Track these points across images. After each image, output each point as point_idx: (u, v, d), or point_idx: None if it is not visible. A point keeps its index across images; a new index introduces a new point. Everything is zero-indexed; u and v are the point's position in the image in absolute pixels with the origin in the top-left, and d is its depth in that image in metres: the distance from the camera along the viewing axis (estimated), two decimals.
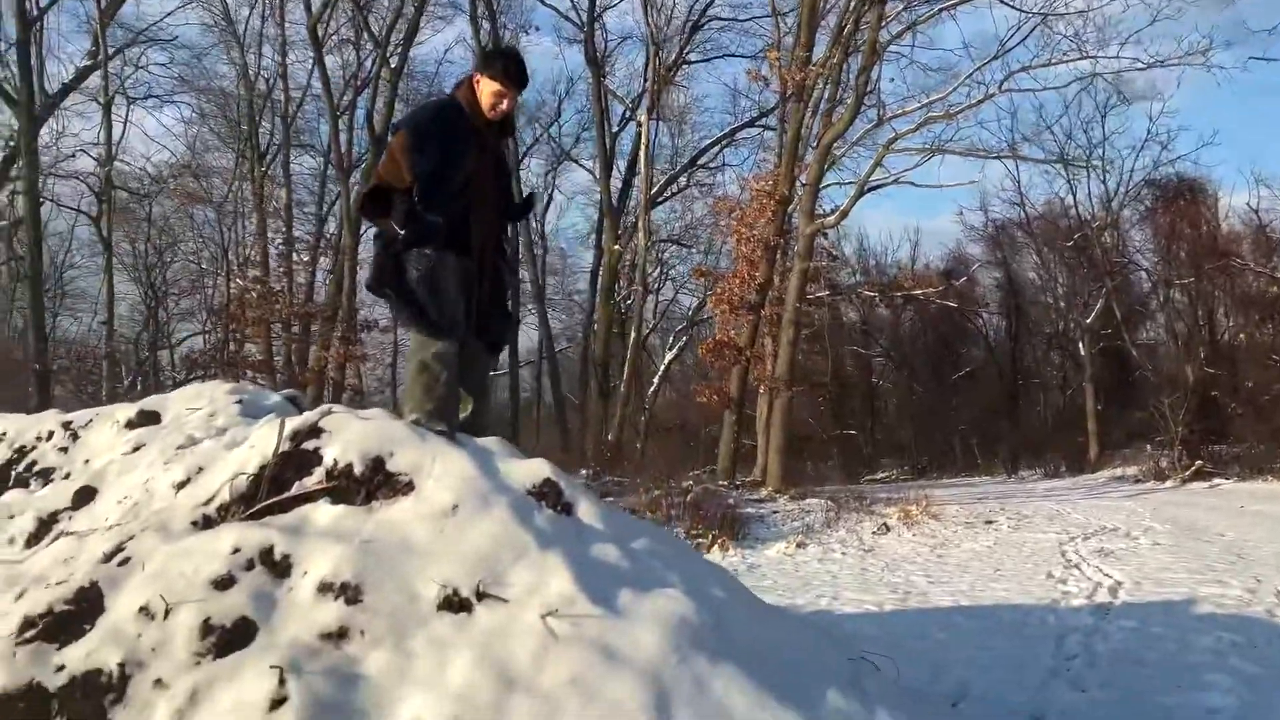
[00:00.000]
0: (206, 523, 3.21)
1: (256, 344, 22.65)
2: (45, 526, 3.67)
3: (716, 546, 14.91)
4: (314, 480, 3.25)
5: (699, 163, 30.67)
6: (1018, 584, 9.91)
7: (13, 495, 4.04)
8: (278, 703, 2.55)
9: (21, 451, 4.52)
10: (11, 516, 3.76)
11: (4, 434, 4.66)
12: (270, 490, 3.24)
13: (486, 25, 27.29)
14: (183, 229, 28.42)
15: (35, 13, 21.34)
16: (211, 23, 26.87)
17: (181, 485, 3.42)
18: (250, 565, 2.93)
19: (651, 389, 29.84)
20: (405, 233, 3.82)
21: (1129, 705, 5.12)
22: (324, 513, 3.18)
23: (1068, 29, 18.74)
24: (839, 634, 3.88)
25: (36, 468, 4.33)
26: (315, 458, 3.32)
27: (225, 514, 3.22)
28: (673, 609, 3.00)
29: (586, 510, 3.34)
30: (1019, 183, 34.67)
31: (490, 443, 3.71)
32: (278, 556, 2.97)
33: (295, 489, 3.23)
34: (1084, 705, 5.21)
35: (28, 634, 2.79)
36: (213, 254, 28.60)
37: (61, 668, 2.70)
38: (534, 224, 32.64)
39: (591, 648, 2.79)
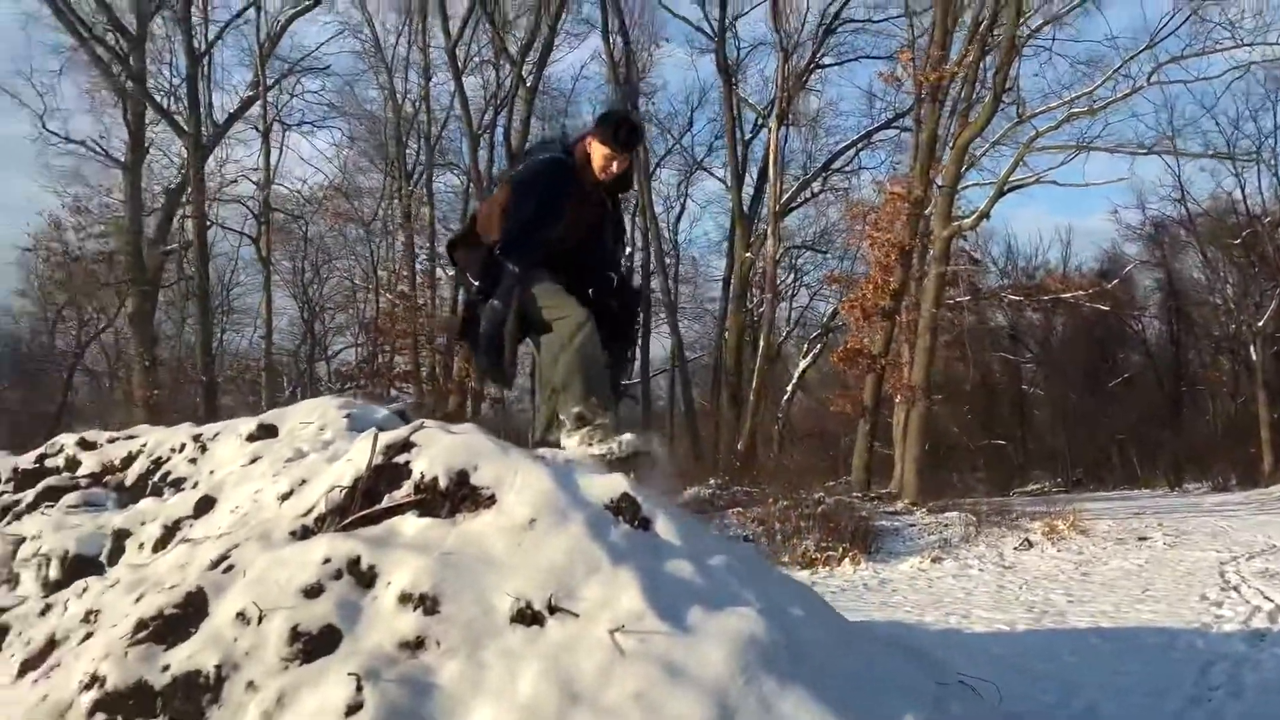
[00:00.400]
0: (305, 533, 3.39)
1: (403, 356, 23.65)
2: (170, 533, 3.95)
3: (847, 560, 14.63)
4: (403, 493, 3.39)
5: (833, 167, 30.19)
6: (1166, 606, 9.34)
7: (146, 504, 4.38)
8: (354, 708, 2.67)
9: (158, 462, 4.89)
10: (143, 524, 4.08)
11: (144, 446, 5.06)
12: (363, 503, 3.40)
13: (619, 40, 27.69)
14: (336, 247, 29.99)
15: (202, 48, 23.03)
16: (361, 50, 28.34)
17: (285, 497, 3.63)
18: (338, 575, 3.08)
19: (786, 397, 29.50)
20: (480, 284, 3.98)
21: None
22: (410, 524, 3.30)
23: (1222, 16, 17.47)
24: (932, 657, 3.73)
25: (170, 477, 4.68)
26: (405, 471, 3.46)
27: (322, 525, 3.40)
28: (743, 627, 2.98)
29: (664, 526, 3.35)
30: (1178, 178, 32.52)
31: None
32: (364, 567, 3.10)
33: (385, 501, 3.38)
34: None
35: (139, 635, 3.02)
36: (364, 271, 30.05)
37: (166, 668, 2.90)
38: (666, 233, 32.90)
39: (657, 664, 2.80)
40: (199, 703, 2.82)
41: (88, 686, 2.90)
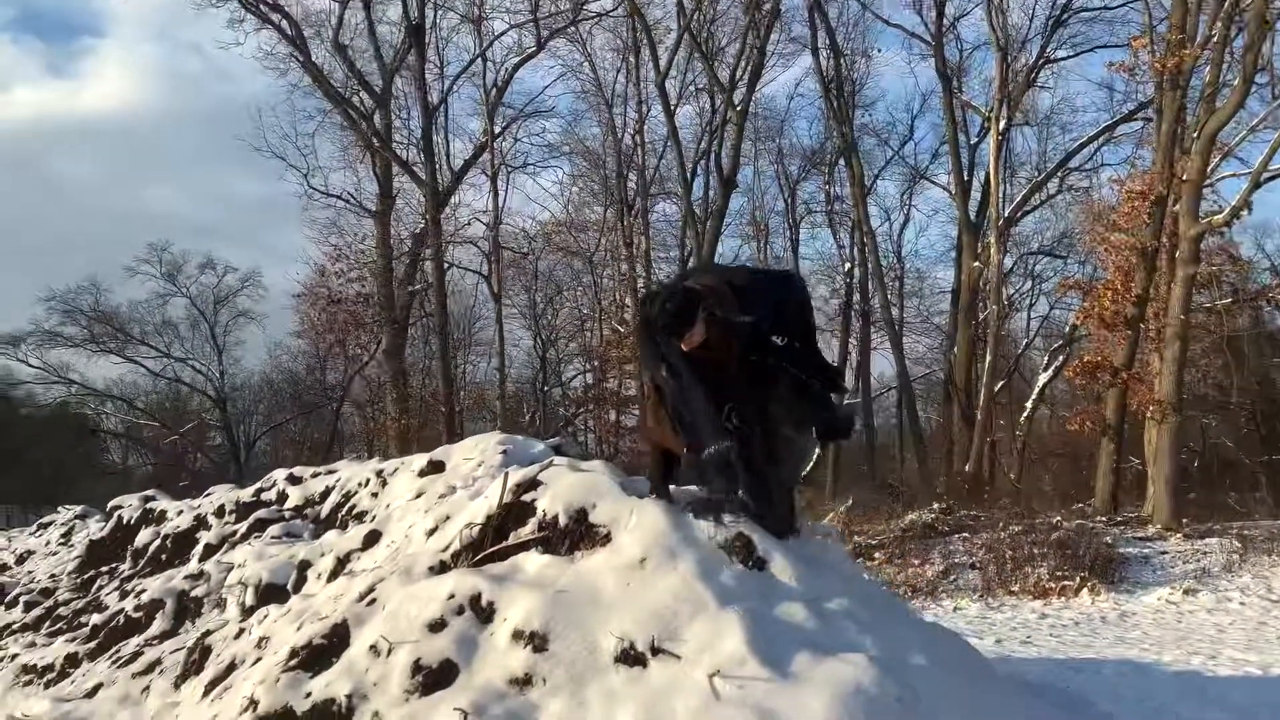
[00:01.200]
0: (442, 568, 3.60)
1: (623, 380, 24.32)
2: (341, 565, 4.31)
3: (1085, 590, 13.54)
4: (527, 530, 3.52)
5: (1070, 166, 28.14)
6: None
7: (328, 536, 4.79)
8: None
9: (347, 496, 5.33)
10: (322, 555, 4.47)
11: (339, 481, 5.53)
12: (494, 539, 3.56)
13: (828, 53, 27.32)
14: (565, 279, 31.39)
15: (435, 102, 24.96)
16: (581, 89, 29.64)
17: (431, 532, 3.87)
18: (460, 610, 3.25)
19: (1025, 414, 27.69)
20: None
21: None
22: (533, 561, 3.43)
23: None
24: (1094, 710, 3.40)
25: (355, 510, 5.10)
26: (531, 509, 3.60)
27: (457, 560, 3.59)
28: (851, 676, 2.86)
29: (780, 566, 3.28)
30: None
31: None
32: (484, 603, 3.26)
33: (511, 538, 3.52)
34: None
35: (291, 663, 3.32)
36: (591, 301, 31.25)
37: (309, 694, 3.17)
38: (889, 246, 31.90)
39: (753, 711, 2.75)
40: None
41: (245, 709, 3.22)
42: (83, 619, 5.89)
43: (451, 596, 3.29)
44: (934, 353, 33.17)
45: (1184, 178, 16.58)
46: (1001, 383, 29.96)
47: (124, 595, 5.85)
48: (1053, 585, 13.59)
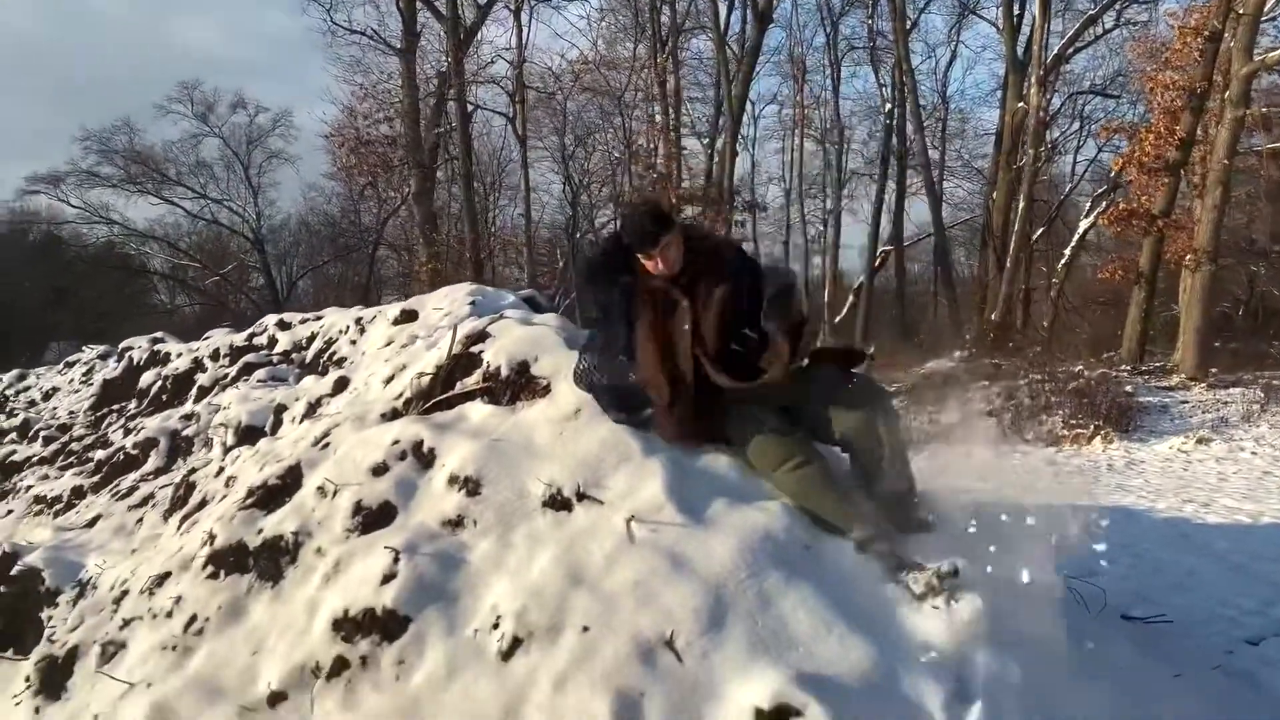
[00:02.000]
0: (394, 415, 3.73)
1: None
2: (312, 409, 4.47)
3: (1098, 438, 13.61)
4: (473, 380, 3.62)
5: None
6: None
7: (305, 381, 4.95)
8: (389, 578, 2.97)
9: (329, 342, 5.47)
10: (297, 399, 4.64)
11: (323, 327, 5.66)
12: (443, 389, 3.66)
13: None
14: (595, 122, 30.66)
15: None
16: None
17: (389, 380, 3.98)
18: (403, 456, 3.38)
19: (1063, 261, 27.10)
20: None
21: None
22: (477, 411, 3.54)
23: None
24: None
25: (335, 357, 5.23)
26: (478, 360, 3.68)
27: (408, 408, 3.71)
28: (762, 523, 2.97)
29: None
30: None
31: None
32: (426, 449, 3.39)
33: (458, 388, 3.62)
34: None
35: (248, 501, 3.51)
36: (621, 145, 30.61)
37: (260, 531, 3.37)
38: (934, 85, 30.63)
39: (662, 554, 2.87)
40: (279, 563, 3.26)
41: (205, 543, 3.43)
42: (90, 454, 6.23)
43: (396, 442, 3.42)
44: (975, 198, 32.31)
45: (1240, 11, 15.54)
46: (1041, 230, 29.24)
47: (127, 433, 6.16)
48: (1066, 433, 13.67)
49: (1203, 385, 16.22)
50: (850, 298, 29.15)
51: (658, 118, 27.63)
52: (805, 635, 2.70)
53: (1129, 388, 15.66)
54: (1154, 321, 26.78)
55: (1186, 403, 15.42)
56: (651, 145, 26.78)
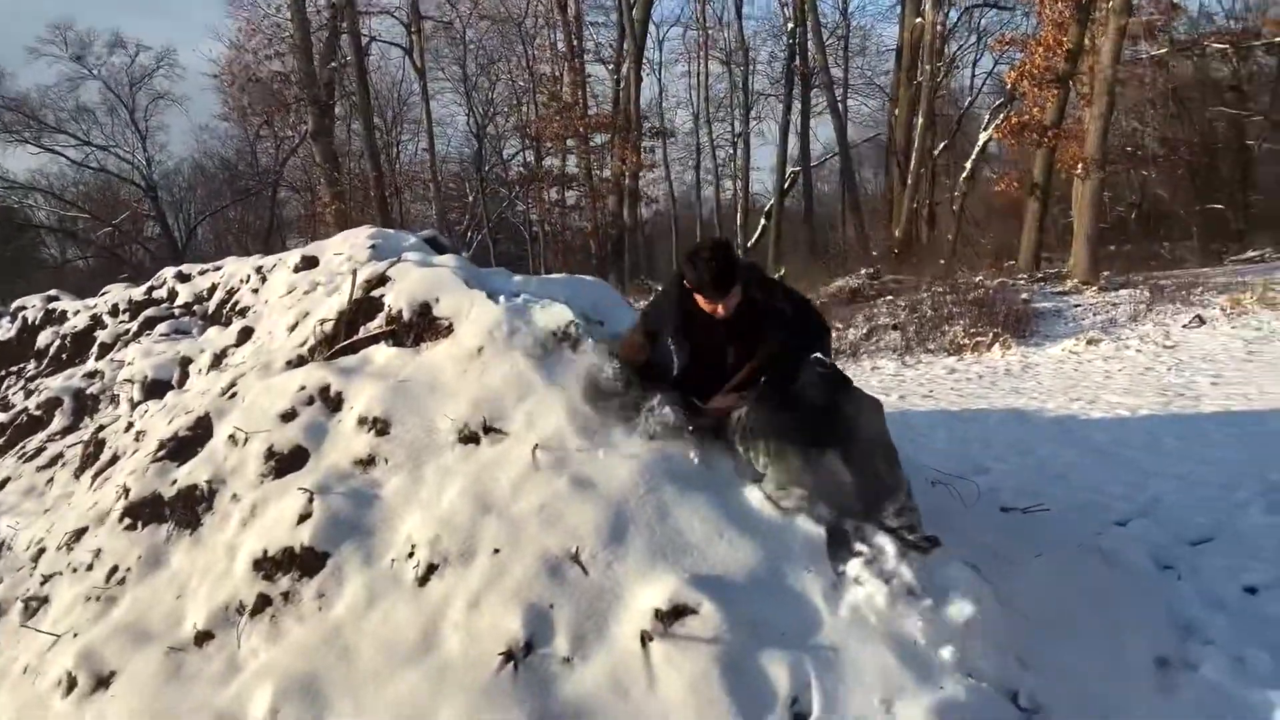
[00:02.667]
0: (300, 362, 3.80)
1: (557, 159, 23.92)
2: (218, 361, 4.51)
3: (997, 345, 14.21)
4: (376, 324, 3.71)
5: None
6: None
7: (209, 333, 4.96)
8: (304, 518, 3.10)
9: (231, 292, 5.46)
10: (202, 351, 4.66)
11: (223, 278, 5.63)
12: (347, 334, 3.75)
13: None
14: (497, 50, 29.98)
15: None
16: None
17: (292, 328, 4.04)
18: (311, 401, 3.48)
19: (965, 174, 27.78)
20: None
21: None
22: (381, 353, 3.64)
23: None
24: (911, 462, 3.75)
25: (238, 307, 5.23)
26: (380, 304, 3.77)
27: (313, 355, 3.79)
28: (657, 443, 3.16)
29: (605, 348, 3.51)
30: None
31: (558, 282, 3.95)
32: (333, 394, 3.49)
33: (362, 333, 3.71)
34: (1270, 529, 4.66)
35: (159, 454, 3.58)
36: (525, 73, 30.03)
37: (174, 482, 3.45)
38: (836, 1, 30.61)
39: (566, 478, 3.06)
40: (196, 511, 3.35)
41: (119, 497, 3.50)
42: None
43: (303, 388, 3.51)
44: (880, 115, 32.71)
45: None
46: (944, 145, 29.84)
47: (28, 394, 6.07)
48: (967, 341, 14.24)
49: (1094, 289, 16.98)
50: (762, 220, 29.45)
51: (560, 45, 27.22)
52: (699, 541, 2.93)
53: (1025, 295, 16.32)
54: (1052, 230, 27.77)
55: (1079, 306, 16.14)
56: (555, 73, 26.40)
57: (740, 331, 3.32)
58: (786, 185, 28.21)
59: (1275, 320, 13.69)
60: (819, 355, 3.37)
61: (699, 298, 3.25)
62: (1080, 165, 17.17)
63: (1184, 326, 13.91)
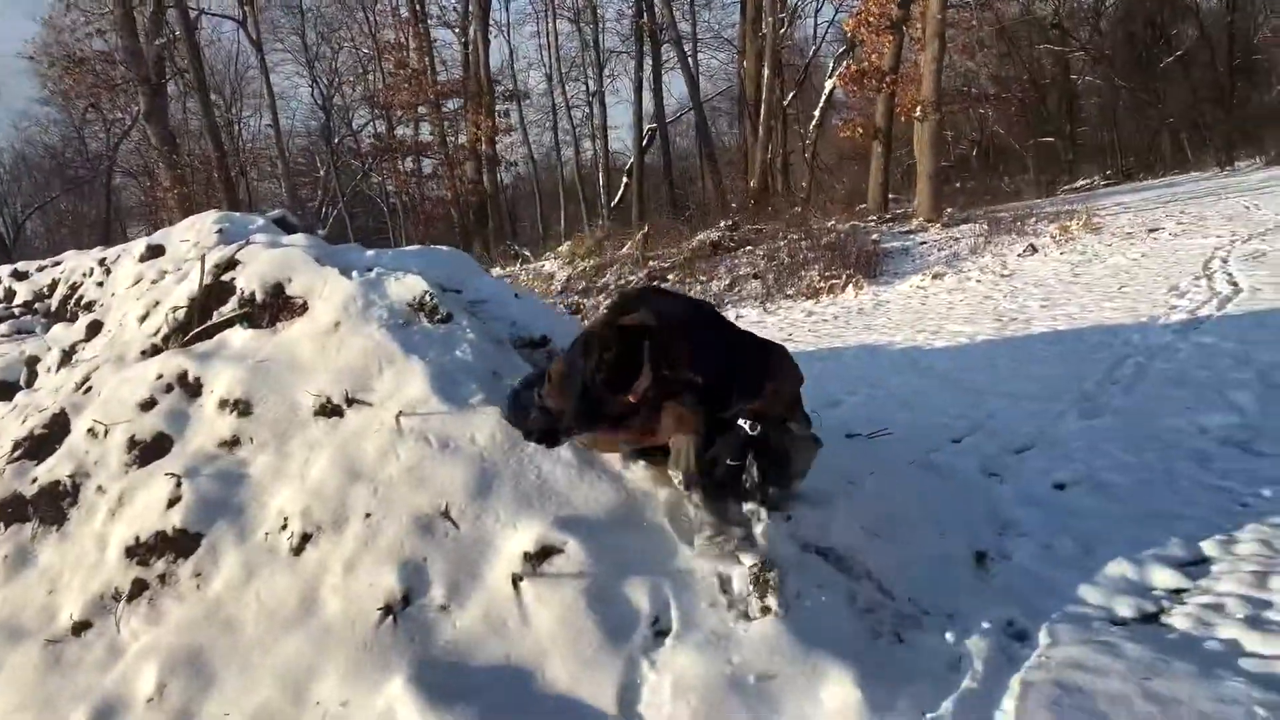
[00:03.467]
0: (155, 351, 3.81)
1: (409, 128, 23.46)
2: (68, 357, 4.43)
3: (850, 286, 14.85)
4: (229, 308, 3.74)
5: None
6: (1131, 301, 9.45)
7: (55, 329, 4.84)
8: (174, 501, 3.16)
9: (74, 287, 5.32)
10: (49, 349, 4.56)
11: (64, 272, 5.48)
12: (200, 319, 3.77)
13: None
14: (337, 17, 29.05)
15: None
16: None
17: (143, 318, 4.02)
18: (169, 388, 3.51)
19: (814, 122, 28.63)
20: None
21: (1124, 430, 5.05)
22: (238, 336, 3.68)
23: None
24: None
25: (83, 301, 5.11)
26: (232, 288, 3.80)
27: (168, 343, 3.80)
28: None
29: (462, 316, 3.66)
30: None
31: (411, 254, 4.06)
32: (191, 379, 3.53)
33: (215, 317, 3.74)
34: (1080, 432, 5.19)
35: (16, 454, 3.55)
36: (369, 40, 29.18)
37: (35, 480, 3.43)
38: None
39: (431, 440, 3.21)
40: (61, 506, 3.36)
41: None
42: None
43: (160, 377, 3.54)
44: (730, 68, 33.24)
45: None
46: (792, 94, 30.61)
47: None
48: (823, 285, 14.85)
49: (938, 226, 17.90)
50: (624, 179, 29.66)
51: (402, 9, 26.56)
52: (563, 488, 3.15)
53: (875, 236, 17.08)
54: (898, 171, 28.96)
55: (924, 244, 17.00)
56: (400, 39, 25.78)
57: (657, 406, 3.03)
58: (645, 142, 28.45)
59: (1097, 244, 14.79)
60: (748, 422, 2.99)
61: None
62: (918, 108, 18.00)
63: (1019, 255, 14.88)
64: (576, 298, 15.72)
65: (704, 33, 32.06)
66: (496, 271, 16.43)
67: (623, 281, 16.41)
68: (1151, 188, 25.04)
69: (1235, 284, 9.21)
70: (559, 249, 17.65)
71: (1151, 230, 15.02)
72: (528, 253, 17.90)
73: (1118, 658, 2.63)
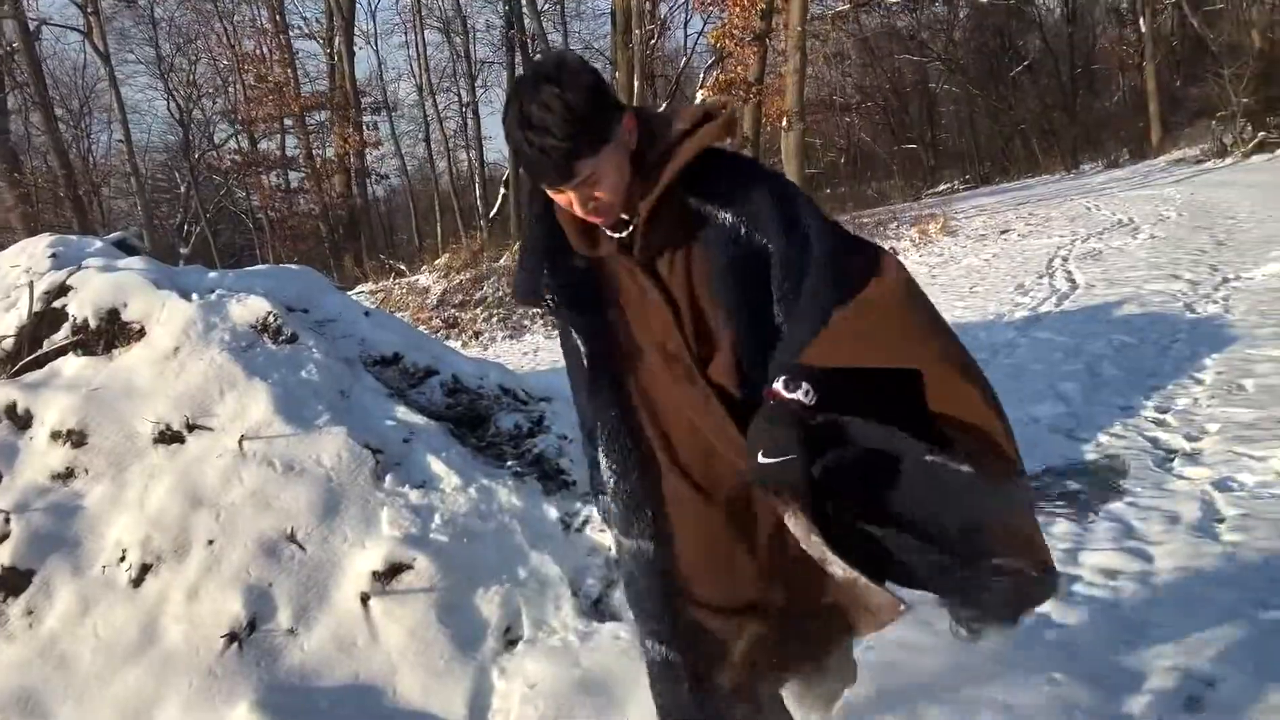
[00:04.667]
0: None
1: (274, 142, 22.83)
2: None
3: None
4: (61, 335, 3.63)
5: None
6: (981, 300, 9.98)
7: None
8: (2, 539, 3.05)
9: None
10: None
11: None
12: (30, 349, 3.63)
13: None
14: (194, 28, 28.01)
15: None
16: None
17: None
18: None
19: None
20: None
21: None
22: (71, 364, 3.57)
23: None
24: None
25: None
26: (65, 315, 3.68)
27: None
28: (361, 420, 3.35)
29: (312, 340, 3.64)
30: None
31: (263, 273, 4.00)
32: (20, 411, 3.40)
33: (46, 345, 3.62)
34: None
35: None
36: (229, 50, 28.26)
37: None
38: None
39: (276, 464, 3.19)
40: None
41: None
42: None
43: None
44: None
45: None
46: (665, 104, 31.05)
47: None
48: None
49: None
50: (502, 189, 29.50)
51: (263, 20, 25.83)
52: (413, 502, 3.17)
53: None
54: None
55: None
56: (261, 50, 25.06)
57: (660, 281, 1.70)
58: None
59: (954, 245, 15.54)
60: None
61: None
62: (784, 118, 18.54)
63: None
64: (453, 311, 15.58)
65: (575, 43, 32.12)
66: (369, 286, 16.15)
67: (501, 294, 16.33)
68: (1006, 190, 26.45)
69: (1073, 281, 9.84)
70: (435, 262, 17.45)
71: (1003, 232, 15.88)
72: (402, 266, 17.63)
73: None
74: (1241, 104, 22.88)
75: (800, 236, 1.66)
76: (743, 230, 1.68)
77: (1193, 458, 4.13)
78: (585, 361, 1.82)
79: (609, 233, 1.72)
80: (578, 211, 1.64)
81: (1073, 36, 33.56)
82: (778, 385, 1.63)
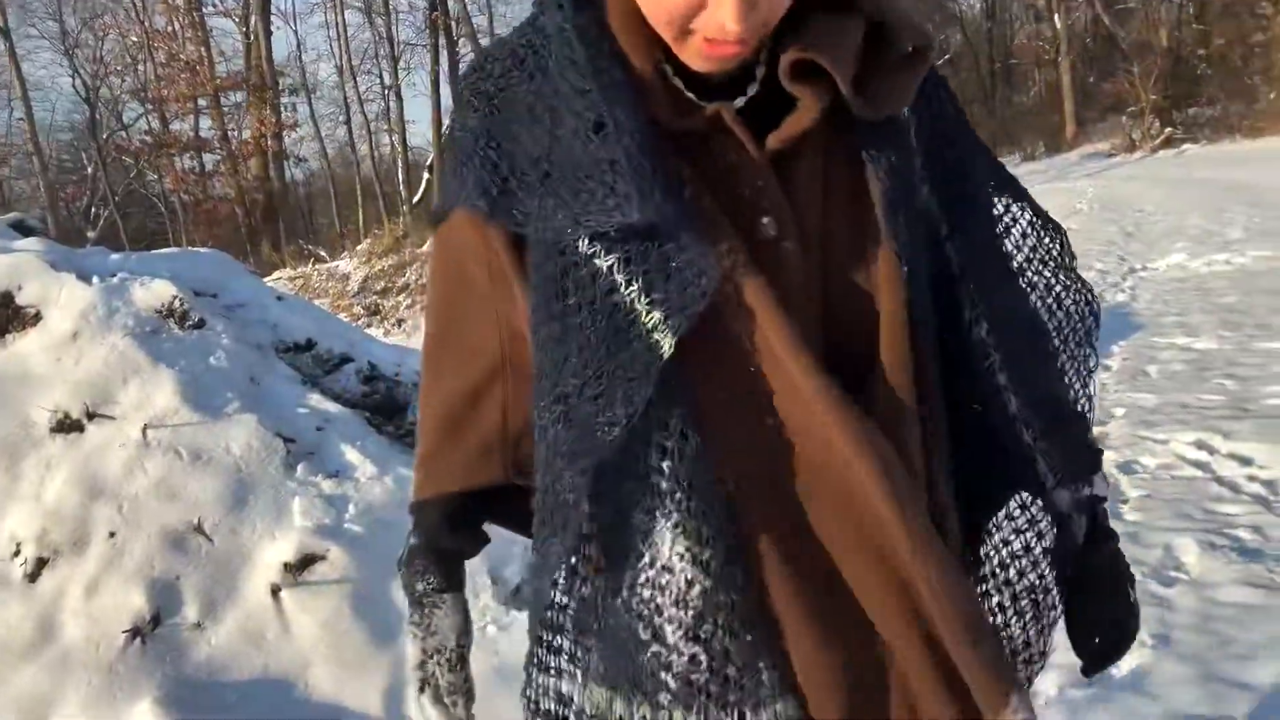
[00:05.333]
0: None
1: (186, 122, 22.10)
2: None
3: None
4: None
5: None
6: None
7: None
8: None
9: None
10: None
11: None
12: None
13: None
14: (100, 2, 26.91)
15: None
16: None
17: None
18: None
19: None
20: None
21: None
22: None
23: None
24: None
25: None
26: None
27: None
28: (272, 408, 3.27)
29: (220, 326, 3.53)
30: None
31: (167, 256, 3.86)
32: None
33: None
34: None
35: None
36: (138, 25, 27.23)
37: None
38: None
39: (182, 453, 3.09)
40: None
41: None
42: None
43: None
44: None
45: None
46: None
47: None
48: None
49: None
50: (425, 175, 29.00)
51: None
52: (327, 492, 3.10)
53: None
54: None
55: None
56: (173, 27, 24.21)
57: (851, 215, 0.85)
58: (445, 137, 27.93)
59: None
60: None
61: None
62: None
63: None
64: (375, 298, 15.30)
65: (501, 26, 31.74)
66: (287, 273, 15.77)
67: (423, 281, 16.08)
68: None
69: None
70: (356, 248, 17.10)
71: None
72: (322, 252, 17.25)
73: None
74: (1150, 101, 23.70)
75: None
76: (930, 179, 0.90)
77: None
78: (658, 341, 0.76)
79: (693, 98, 0.82)
80: (710, 26, 0.74)
81: (992, 32, 34.35)
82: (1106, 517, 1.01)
